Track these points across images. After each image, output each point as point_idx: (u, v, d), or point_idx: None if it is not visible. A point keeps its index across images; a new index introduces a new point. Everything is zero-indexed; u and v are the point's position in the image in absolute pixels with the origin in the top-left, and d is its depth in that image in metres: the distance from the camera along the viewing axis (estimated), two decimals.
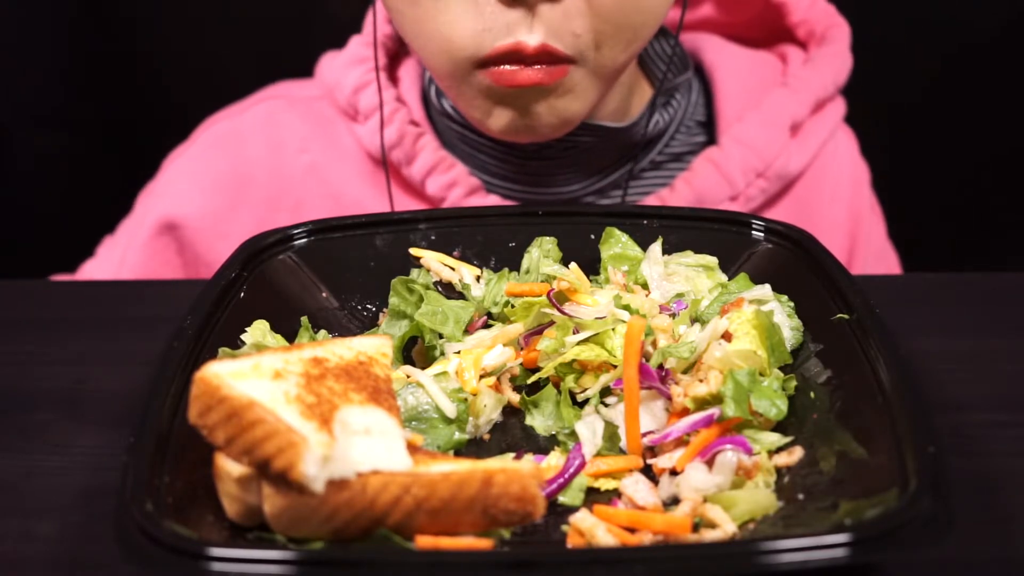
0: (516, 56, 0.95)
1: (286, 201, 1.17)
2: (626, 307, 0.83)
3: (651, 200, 1.14)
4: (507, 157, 1.12)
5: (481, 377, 0.82)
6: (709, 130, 1.19)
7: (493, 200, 1.13)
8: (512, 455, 0.78)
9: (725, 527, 0.69)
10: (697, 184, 1.12)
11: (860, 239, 1.22)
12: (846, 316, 0.79)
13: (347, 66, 1.17)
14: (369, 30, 1.18)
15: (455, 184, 1.11)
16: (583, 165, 1.12)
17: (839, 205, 1.20)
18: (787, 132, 1.15)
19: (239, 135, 1.19)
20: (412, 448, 0.69)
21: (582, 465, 0.75)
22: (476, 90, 0.99)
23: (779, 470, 0.73)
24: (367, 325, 0.90)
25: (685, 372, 0.80)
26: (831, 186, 1.19)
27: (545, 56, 0.95)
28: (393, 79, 1.18)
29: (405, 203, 1.14)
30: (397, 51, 1.20)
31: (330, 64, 1.19)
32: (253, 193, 1.17)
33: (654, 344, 0.82)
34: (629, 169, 1.13)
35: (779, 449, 0.75)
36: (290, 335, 0.84)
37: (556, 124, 1.02)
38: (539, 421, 0.81)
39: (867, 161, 1.26)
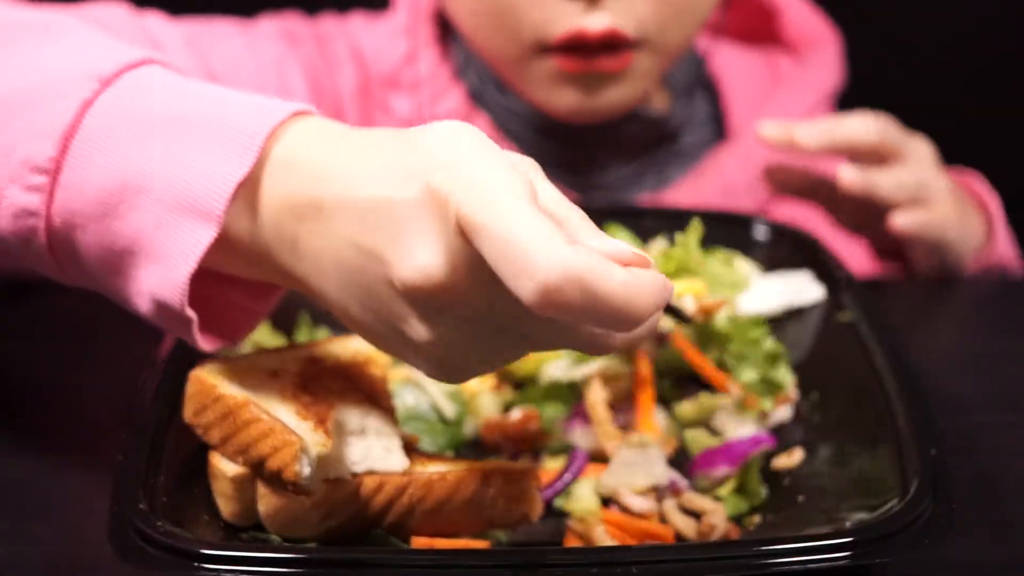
0: (580, 42, 0.97)
1: None
2: None
3: (684, 185, 1.16)
4: (546, 143, 1.13)
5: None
6: (715, 125, 1.21)
7: None
8: (510, 456, 0.77)
9: (719, 525, 0.69)
10: (727, 173, 1.15)
11: None
12: (847, 317, 0.78)
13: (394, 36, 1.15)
14: (403, 8, 1.16)
15: None
16: (618, 152, 1.14)
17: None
18: None
19: None
20: (409, 448, 0.69)
21: (582, 467, 0.74)
22: (540, 72, 1.00)
23: (779, 472, 0.73)
24: None
25: None
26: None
27: (611, 40, 0.97)
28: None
29: None
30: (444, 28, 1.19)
31: (370, 32, 1.18)
32: None
33: None
34: (662, 153, 1.16)
35: (779, 452, 0.74)
36: (289, 334, 0.84)
37: (620, 107, 1.04)
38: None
39: None
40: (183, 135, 0.62)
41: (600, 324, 0.51)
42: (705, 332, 0.77)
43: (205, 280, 0.67)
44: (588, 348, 0.56)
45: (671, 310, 0.73)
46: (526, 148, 1.13)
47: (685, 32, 1.02)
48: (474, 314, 0.56)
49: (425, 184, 0.54)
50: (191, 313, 0.63)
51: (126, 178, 0.62)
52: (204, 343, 0.66)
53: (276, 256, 0.61)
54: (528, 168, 0.57)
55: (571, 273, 0.50)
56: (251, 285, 0.69)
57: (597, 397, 0.76)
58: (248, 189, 0.61)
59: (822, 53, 1.22)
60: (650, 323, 0.56)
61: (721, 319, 0.77)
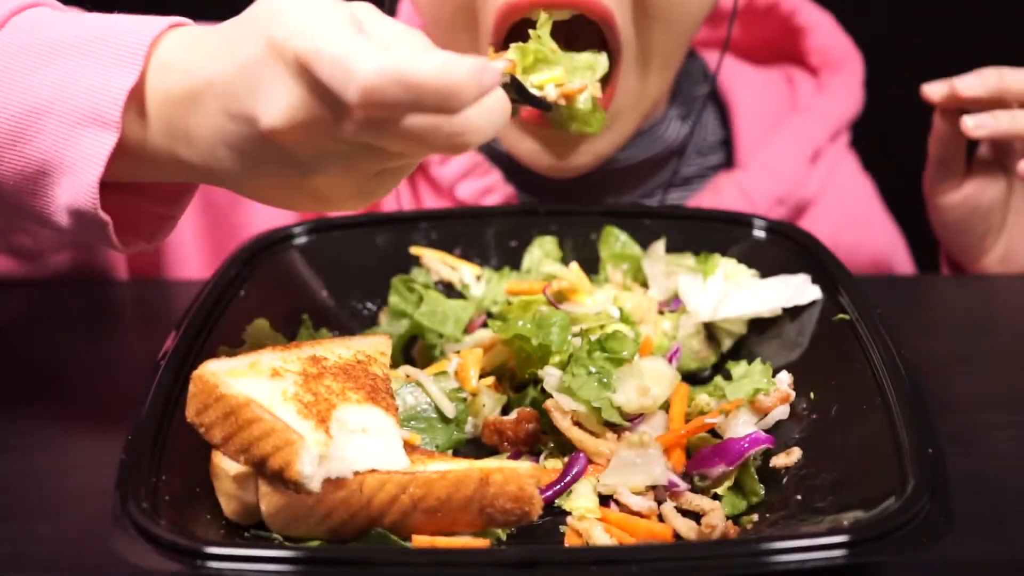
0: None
1: None
2: (620, 308, 0.83)
3: None
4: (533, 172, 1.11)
5: (481, 376, 0.81)
6: (726, 150, 1.19)
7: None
8: (510, 456, 0.77)
9: (719, 524, 0.69)
10: (725, 202, 1.12)
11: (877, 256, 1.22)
12: (846, 316, 0.79)
13: None
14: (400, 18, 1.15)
15: (491, 191, 1.10)
16: (617, 184, 1.12)
17: (849, 226, 1.19)
18: (808, 160, 1.15)
19: None
20: (410, 447, 0.69)
21: (583, 471, 0.74)
22: None
23: (777, 470, 0.73)
24: (367, 324, 0.90)
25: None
26: (841, 209, 1.19)
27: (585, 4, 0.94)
28: None
29: (434, 203, 1.12)
30: None
31: None
32: None
33: None
34: (669, 176, 1.14)
35: (778, 451, 0.74)
36: (291, 334, 0.84)
37: (590, 163, 1.03)
38: None
39: (871, 173, 1.26)
40: (76, 56, 0.69)
41: (427, 109, 0.59)
42: (571, 115, 0.78)
43: (120, 195, 0.72)
44: (447, 148, 0.61)
45: (533, 99, 0.75)
46: (515, 176, 1.10)
47: (667, 37, 0.99)
48: (342, 143, 0.63)
49: (265, 39, 0.62)
50: (105, 216, 0.69)
51: (31, 104, 0.69)
52: (122, 245, 0.73)
53: (176, 152, 0.68)
54: (358, 7, 0.65)
55: (384, 70, 0.58)
56: (162, 194, 0.75)
57: None
58: (139, 95, 0.68)
59: (846, 79, 1.18)
60: (492, 112, 0.61)
61: (585, 100, 0.78)
